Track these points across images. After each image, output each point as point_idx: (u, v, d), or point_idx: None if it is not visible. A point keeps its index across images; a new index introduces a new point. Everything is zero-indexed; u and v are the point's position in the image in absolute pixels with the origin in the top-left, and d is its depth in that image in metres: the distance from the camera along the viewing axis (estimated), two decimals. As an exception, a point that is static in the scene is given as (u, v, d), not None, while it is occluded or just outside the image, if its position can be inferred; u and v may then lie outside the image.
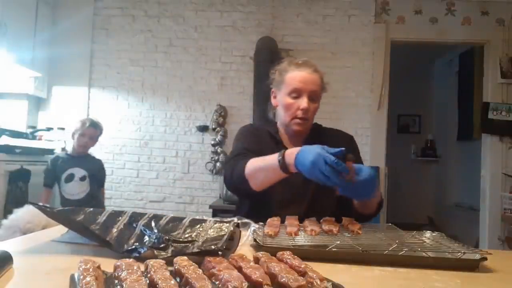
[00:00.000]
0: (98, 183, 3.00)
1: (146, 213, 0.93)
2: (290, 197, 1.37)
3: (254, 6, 3.86)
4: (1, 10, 3.12)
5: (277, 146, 1.43)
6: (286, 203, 1.36)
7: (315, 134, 1.48)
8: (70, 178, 2.85)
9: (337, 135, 1.54)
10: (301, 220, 1.12)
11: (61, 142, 3.61)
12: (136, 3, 3.95)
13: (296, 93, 1.38)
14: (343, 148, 1.04)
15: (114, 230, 0.86)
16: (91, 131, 2.91)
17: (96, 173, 2.98)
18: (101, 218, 0.89)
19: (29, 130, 3.58)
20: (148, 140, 3.89)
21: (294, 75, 1.39)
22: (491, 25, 3.70)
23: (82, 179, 2.88)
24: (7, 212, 2.74)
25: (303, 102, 1.37)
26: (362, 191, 1.10)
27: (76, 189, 2.85)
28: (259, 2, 3.85)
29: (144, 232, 0.86)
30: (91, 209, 0.92)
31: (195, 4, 3.90)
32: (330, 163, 0.99)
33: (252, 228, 1.01)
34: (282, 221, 1.11)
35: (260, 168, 1.22)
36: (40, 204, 0.92)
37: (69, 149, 3.02)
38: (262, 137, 1.48)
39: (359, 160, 1.45)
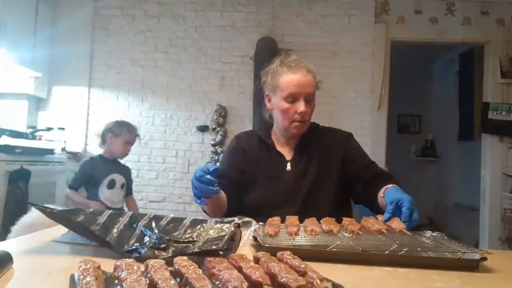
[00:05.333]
0: (127, 192, 2.71)
1: (146, 214, 0.93)
2: (281, 198, 1.37)
3: (254, 6, 3.86)
4: (1, 10, 3.12)
5: (268, 150, 1.46)
6: (278, 205, 1.35)
7: (310, 134, 1.46)
8: (112, 184, 2.56)
9: (334, 134, 1.50)
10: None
11: (61, 142, 3.60)
12: (136, 3, 3.95)
13: (292, 98, 1.35)
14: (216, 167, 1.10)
15: (115, 230, 0.86)
16: (134, 138, 2.64)
17: (129, 180, 2.73)
18: (101, 219, 0.89)
19: (29, 130, 3.58)
20: (148, 140, 3.88)
21: (289, 79, 1.35)
22: (491, 25, 3.70)
23: (122, 186, 2.62)
24: (7, 212, 2.74)
25: (301, 106, 1.34)
26: None
27: (116, 197, 2.58)
28: (259, 2, 3.85)
29: (145, 232, 0.86)
30: (91, 209, 0.92)
31: (195, 4, 3.90)
32: (198, 177, 1.07)
33: (253, 228, 1.01)
34: (282, 221, 1.11)
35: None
36: (41, 205, 0.92)
37: (98, 151, 2.70)
38: (249, 148, 1.48)
39: (362, 157, 1.45)
